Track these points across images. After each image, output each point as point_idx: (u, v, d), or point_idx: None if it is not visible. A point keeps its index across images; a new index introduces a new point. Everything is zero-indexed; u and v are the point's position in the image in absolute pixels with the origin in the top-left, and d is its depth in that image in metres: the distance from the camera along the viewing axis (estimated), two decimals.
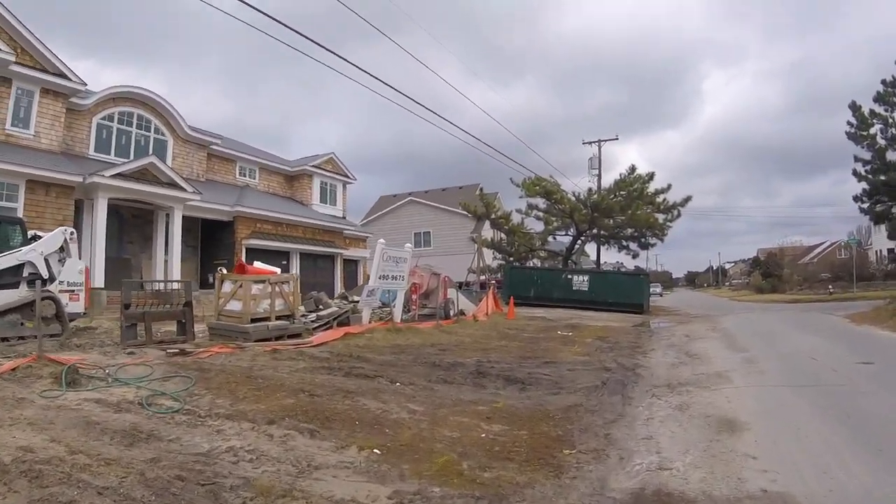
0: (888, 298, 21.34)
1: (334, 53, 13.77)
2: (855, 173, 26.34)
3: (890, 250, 60.12)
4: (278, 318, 13.00)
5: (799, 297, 44.47)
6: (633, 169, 35.39)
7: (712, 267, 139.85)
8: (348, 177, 38.26)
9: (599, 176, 40.02)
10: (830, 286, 46.15)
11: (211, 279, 27.92)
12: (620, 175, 35.95)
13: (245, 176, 32.70)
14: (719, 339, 15.54)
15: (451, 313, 18.46)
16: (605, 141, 41.84)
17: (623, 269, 58.62)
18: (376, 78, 15.48)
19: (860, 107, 26.52)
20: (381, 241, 15.10)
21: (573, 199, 34.97)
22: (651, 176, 35.11)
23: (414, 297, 17.75)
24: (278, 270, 14.21)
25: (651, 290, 72.52)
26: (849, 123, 26.92)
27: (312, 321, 14.21)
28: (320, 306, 14.95)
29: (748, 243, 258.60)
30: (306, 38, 13.02)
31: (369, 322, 14.37)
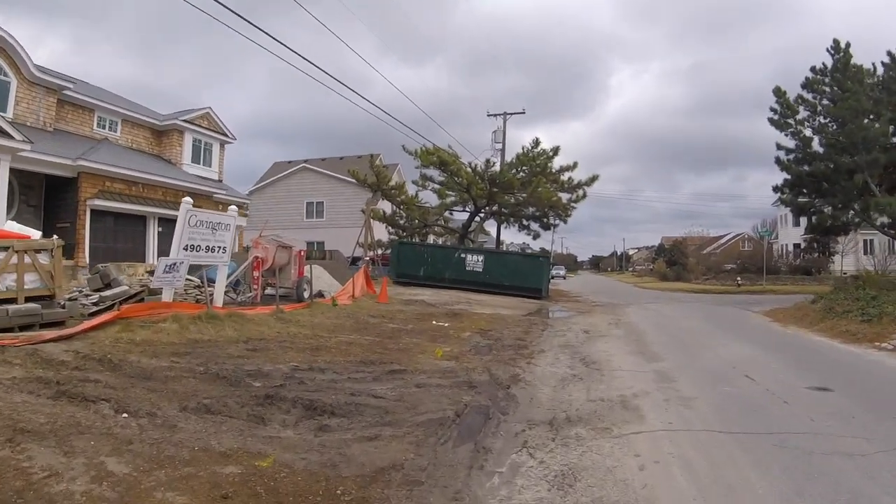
0: (812, 295, 19.15)
1: (246, 20, 13.30)
2: (778, 161, 24.23)
3: (796, 245, 60.01)
4: (30, 299, 9.26)
5: (706, 287, 42.89)
6: (536, 142, 32.40)
7: (616, 252, 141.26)
8: (226, 135, 33.89)
9: (503, 150, 36.95)
10: (739, 278, 44.82)
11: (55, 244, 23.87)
12: (523, 148, 32.77)
13: (105, 128, 27.94)
14: (625, 339, 12.68)
15: (306, 295, 14.95)
16: (511, 114, 38.76)
17: (528, 251, 56.23)
18: (287, 46, 15.09)
19: (785, 92, 24.38)
20: (187, 199, 11.41)
21: (470, 171, 31.57)
22: (556, 150, 32.15)
23: (255, 274, 14.19)
24: (37, 234, 10.40)
25: (554, 271, 71.63)
26: (772, 109, 24.79)
27: (94, 303, 10.51)
28: (109, 283, 11.20)
29: (650, 231, 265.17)
30: (221, 4, 12.45)
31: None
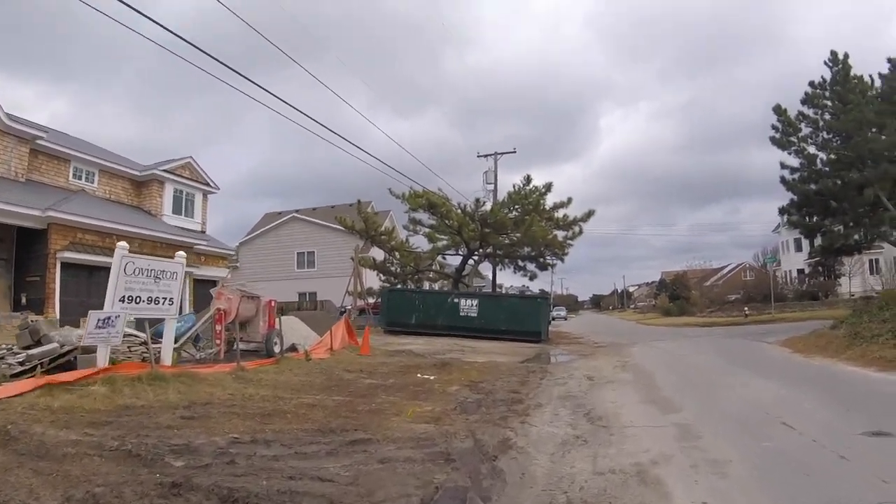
0: (830, 321, 17.70)
1: (246, 77, 13.67)
2: (783, 181, 23.10)
3: (800, 270, 58.67)
4: None
5: (713, 320, 41.34)
6: (528, 179, 31.21)
7: (617, 290, 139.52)
8: (209, 185, 32.85)
9: (495, 191, 35.79)
10: (746, 308, 43.24)
11: (24, 300, 22.55)
12: (514, 186, 32.09)
13: (81, 179, 26.97)
14: (633, 384, 11.17)
15: (276, 349, 13.46)
16: (503, 154, 37.79)
17: (527, 293, 54.56)
18: (284, 101, 15.49)
19: (785, 110, 23.41)
20: (122, 244, 10.01)
21: (460, 213, 30.15)
22: (548, 187, 31.00)
23: (218, 327, 12.74)
24: None
25: (555, 313, 70.10)
26: (773, 128, 23.80)
27: (20, 362, 9.09)
28: (39, 340, 9.77)
29: (649, 268, 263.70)
30: (218, 61, 12.94)
31: (106, 364, 9.19)
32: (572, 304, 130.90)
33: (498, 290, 39.70)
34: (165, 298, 10.49)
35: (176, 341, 12.32)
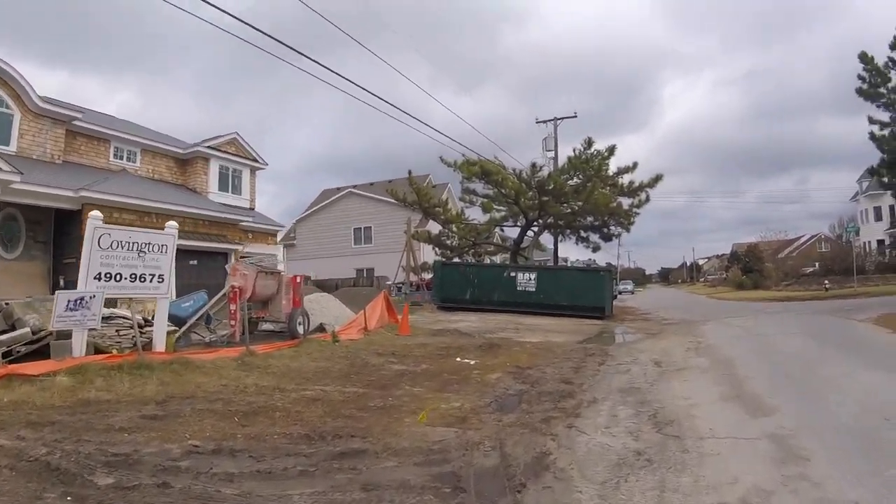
0: None
1: (311, 59, 13.29)
2: (872, 138, 20.54)
3: (879, 241, 54.72)
4: None
5: (790, 294, 38.42)
6: (589, 143, 28.60)
7: (686, 263, 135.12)
8: (257, 161, 31.75)
9: (556, 158, 33.58)
10: (826, 281, 40.06)
11: (62, 282, 22.09)
12: (574, 150, 29.30)
13: (122, 159, 26.18)
14: (711, 373, 9.27)
15: (301, 330, 12.09)
16: (563, 119, 35.55)
17: (593, 265, 52.13)
18: (352, 82, 14.99)
19: (872, 58, 20.75)
20: (95, 213, 8.68)
21: (516, 180, 28.03)
22: (611, 150, 28.58)
23: (232, 307, 11.41)
24: None
25: (621, 286, 67.62)
26: (859, 78, 21.15)
27: None
28: (13, 325, 8.59)
29: (718, 240, 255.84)
30: (283, 44, 12.66)
31: (83, 354, 7.92)
32: (639, 278, 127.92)
33: (562, 263, 37.66)
34: (153, 276, 9.17)
35: (184, 323, 11.11)
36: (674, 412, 6.62)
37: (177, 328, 11.23)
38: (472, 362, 10.67)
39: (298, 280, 13.13)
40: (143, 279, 8.95)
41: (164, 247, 9.45)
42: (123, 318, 9.82)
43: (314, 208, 50.87)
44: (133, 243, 8.83)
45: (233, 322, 11.47)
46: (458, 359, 11.05)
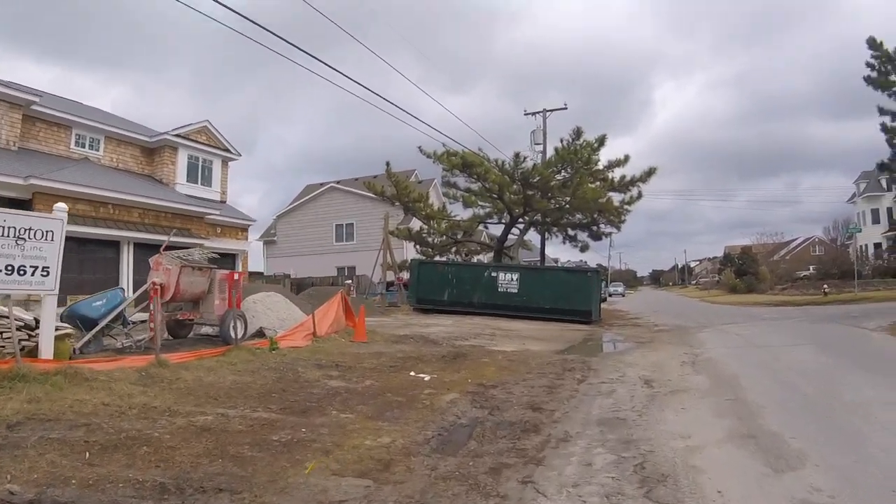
0: None
1: (307, 52, 13.33)
2: (884, 129, 19.06)
3: (877, 245, 53.37)
4: None
5: (786, 299, 36.76)
6: (578, 133, 26.08)
7: (677, 265, 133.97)
8: (229, 151, 29.87)
9: (544, 152, 31.61)
10: (825, 286, 38.46)
11: None
12: (562, 141, 26.89)
13: (85, 146, 24.46)
14: (713, 397, 7.54)
15: (238, 334, 10.36)
16: (552, 111, 33.76)
17: (584, 266, 50.36)
18: (348, 77, 16.89)
19: (881, 43, 19.17)
20: None
21: (498, 172, 26.08)
22: (601, 141, 26.37)
23: (152, 307, 9.67)
24: None
25: (612, 289, 66.08)
26: (868, 65, 19.60)
27: None
28: None
29: (709, 243, 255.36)
30: (279, 37, 12.34)
31: None
32: (630, 280, 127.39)
33: (550, 264, 35.91)
34: (36, 268, 7.40)
35: (95, 325, 9.37)
36: (668, 461, 4.91)
37: (85, 331, 9.53)
38: (428, 377, 8.94)
39: (236, 277, 11.37)
40: (21, 272, 7.18)
41: (50, 233, 7.67)
42: (5, 317, 8.09)
43: (295, 203, 49.07)
44: (9, 228, 7.08)
45: (152, 325, 9.74)
46: (413, 373, 9.32)
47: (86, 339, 9.38)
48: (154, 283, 9.75)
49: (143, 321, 10.57)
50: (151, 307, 9.74)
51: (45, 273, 7.51)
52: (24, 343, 7.85)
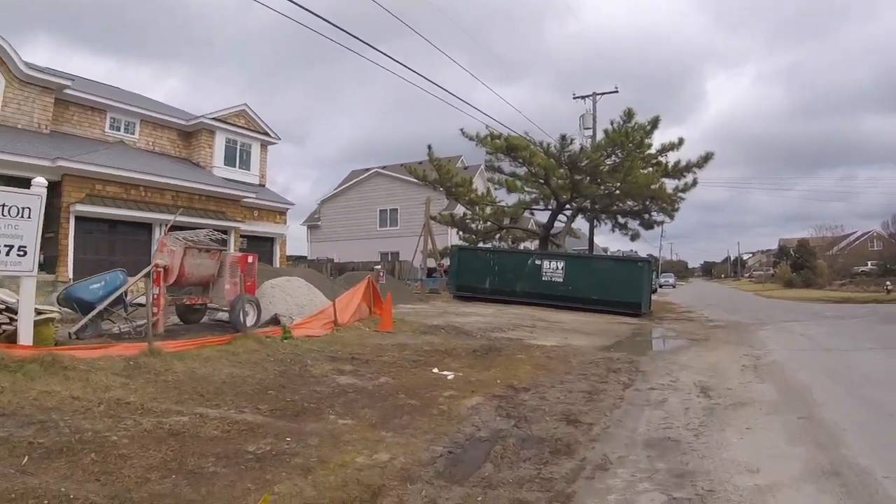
0: None
1: (370, 44, 13.50)
2: None
3: None
4: None
5: (846, 295, 34.59)
6: (629, 114, 24.04)
7: (730, 257, 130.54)
8: (268, 134, 29.45)
9: (594, 136, 30.16)
10: (888, 282, 36.17)
11: (42, 258, 20.25)
12: (612, 123, 24.82)
13: (120, 130, 24.50)
14: (783, 418, 6.29)
15: (250, 321, 9.53)
16: (602, 94, 32.27)
17: (634, 255, 48.63)
18: (407, 67, 15.72)
19: None
20: None
21: (544, 155, 24.45)
22: (654, 123, 24.39)
23: (156, 290, 8.89)
24: None
25: (663, 280, 64.24)
26: None
27: None
28: None
29: (762, 235, 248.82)
30: (342, 29, 12.49)
31: None
32: (682, 271, 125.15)
33: (597, 252, 34.48)
34: (11, 247, 6.62)
35: (92, 309, 8.62)
36: None
37: (82, 315, 8.82)
38: (451, 376, 7.96)
39: (249, 260, 10.50)
40: None
41: (27, 210, 6.89)
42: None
43: (339, 188, 48.51)
44: None
45: (156, 309, 8.96)
46: (436, 370, 8.35)
47: (81, 323, 8.70)
48: (157, 266, 8.96)
49: (143, 305, 9.83)
50: (156, 290, 8.96)
51: (21, 252, 6.74)
52: (4, 327, 7.12)
